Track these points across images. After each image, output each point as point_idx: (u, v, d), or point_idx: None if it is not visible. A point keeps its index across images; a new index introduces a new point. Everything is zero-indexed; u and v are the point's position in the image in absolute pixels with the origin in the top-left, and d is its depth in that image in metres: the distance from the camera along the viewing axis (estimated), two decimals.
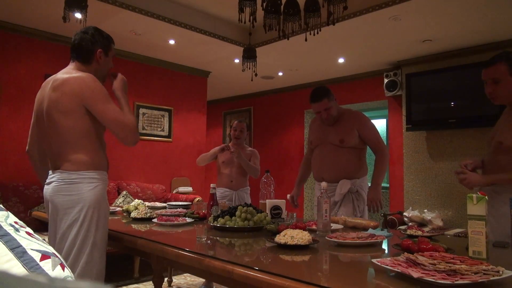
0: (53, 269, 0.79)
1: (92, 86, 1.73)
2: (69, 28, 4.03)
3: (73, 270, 1.64)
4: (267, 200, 2.37)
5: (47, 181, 1.81)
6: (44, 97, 1.81)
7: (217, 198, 3.35)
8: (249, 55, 3.41)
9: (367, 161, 2.84)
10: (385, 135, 6.87)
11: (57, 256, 0.83)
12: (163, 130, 5.36)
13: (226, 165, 3.57)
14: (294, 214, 2.26)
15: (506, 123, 2.04)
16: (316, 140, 2.83)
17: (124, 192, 4.44)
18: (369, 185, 2.73)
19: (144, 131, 5.15)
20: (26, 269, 0.76)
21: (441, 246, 1.37)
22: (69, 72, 1.81)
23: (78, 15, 2.51)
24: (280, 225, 1.85)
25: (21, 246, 0.80)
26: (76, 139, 1.73)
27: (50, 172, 1.82)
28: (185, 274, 3.87)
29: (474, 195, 1.42)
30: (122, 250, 2.28)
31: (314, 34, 2.64)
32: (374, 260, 1.20)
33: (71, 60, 1.90)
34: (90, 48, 1.86)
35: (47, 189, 1.80)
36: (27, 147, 2.00)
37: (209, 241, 1.74)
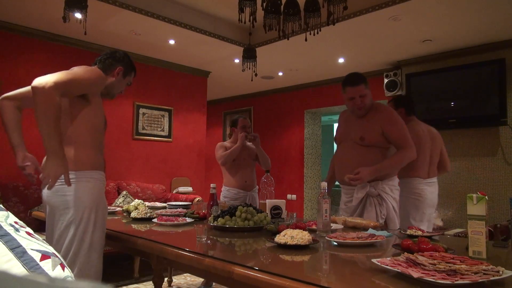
0: (53, 269, 0.79)
1: (85, 67, 1.73)
2: (69, 28, 4.04)
3: (71, 270, 1.63)
4: (267, 200, 2.37)
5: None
6: None
7: (227, 199, 3.31)
8: (249, 55, 3.41)
9: None
10: None
11: (57, 256, 0.83)
12: (163, 130, 5.36)
13: (239, 164, 3.35)
14: (294, 214, 2.26)
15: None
16: (340, 137, 2.61)
17: (124, 192, 4.44)
18: (397, 188, 2.49)
19: (144, 131, 5.15)
20: (26, 269, 0.76)
21: (441, 246, 1.37)
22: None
23: (78, 15, 2.50)
24: (280, 225, 1.85)
25: (21, 246, 0.80)
26: (70, 133, 1.71)
27: None
28: (185, 274, 3.87)
29: (474, 195, 1.42)
30: (122, 250, 2.28)
31: (314, 34, 2.64)
32: (374, 260, 1.20)
33: (92, 64, 1.94)
34: (113, 62, 1.92)
35: (44, 190, 1.79)
36: (6, 94, 1.84)
37: (209, 241, 1.74)
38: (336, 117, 8.23)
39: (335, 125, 8.70)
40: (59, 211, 1.70)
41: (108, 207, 2.73)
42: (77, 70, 1.68)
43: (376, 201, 2.39)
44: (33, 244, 0.82)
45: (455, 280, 0.99)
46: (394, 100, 3.15)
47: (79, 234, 1.67)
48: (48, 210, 1.78)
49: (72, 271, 1.61)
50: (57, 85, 1.50)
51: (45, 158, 1.57)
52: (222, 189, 3.46)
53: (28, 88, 1.91)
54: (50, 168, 1.54)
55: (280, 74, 5.92)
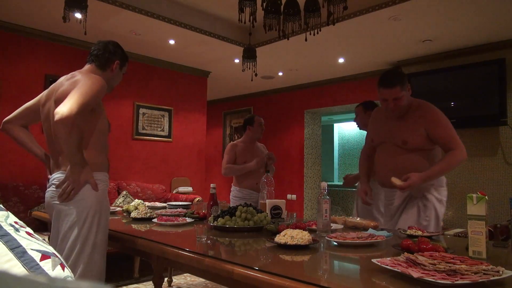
0: (53, 269, 0.79)
1: (90, 79, 1.72)
2: (69, 28, 4.04)
3: (74, 271, 1.64)
4: (267, 200, 2.37)
5: (49, 183, 1.81)
6: (55, 88, 1.82)
7: (237, 199, 3.24)
8: (249, 55, 3.41)
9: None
10: None
11: (57, 256, 0.83)
12: (163, 130, 5.36)
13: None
14: (294, 214, 2.26)
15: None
16: (378, 138, 2.38)
17: (124, 192, 4.44)
18: (445, 188, 2.34)
19: (144, 131, 5.15)
20: (26, 269, 0.76)
21: (441, 246, 1.37)
22: (87, 72, 1.83)
23: (78, 15, 2.50)
24: (280, 225, 1.85)
25: (21, 246, 0.80)
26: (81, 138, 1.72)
27: (52, 174, 1.82)
28: (185, 274, 3.87)
29: (474, 195, 1.42)
30: (122, 250, 2.28)
31: (314, 34, 2.64)
32: (374, 260, 1.20)
33: (87, 63, 1.93)
34: (109, 57, 1.91)
35: (48, 191, 1.80)
36: (7, 118, 1.93)
37: (209, 241, 1.74)
38: (336, 117, 8.22)
39: (335, 125, 8.68)
40: (64, 212, 1.71)
41: None
42: (87, 88, 1.66)
43: (421, 202, 2.21)
44: (33, 244, 0.82)
45: (455, 280, 0.99)
46: (364, 104, 3.26)
47: (83, 234, 1.68)
48: (53, 211, 1.78)
49: (76, 271, 1.63)
50: (78, 113, 1.57)
51: (68, 167, 1.67)
52: (231, 189, 3.44)
53: (25, 106, 1.95)
54: (73, 177, 1.66)
55: (280, 74, 5.92)
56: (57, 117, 1.53)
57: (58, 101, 1.71)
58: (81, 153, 1.67)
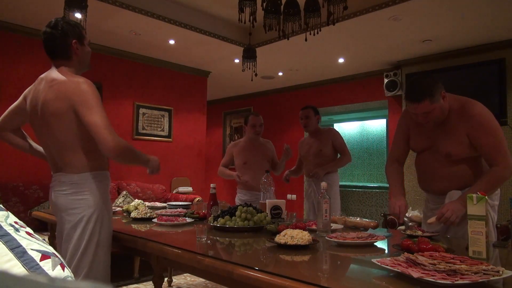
0: (53, 269, 0.79)
1: (85, 90, 1.65)
2: None
3: (79, 269, 1.67)
4: (267, 200, 2.37)
5: (51, 184, 1.81)
6: (38, 96, 1.74)
7: (243, 202, 3.18)
8: (249, 55, 3.41)
9: None
10: (385, 135, 6.87)
11: (57, 256, 0.83)
12: (163, 130, 5.36)
13: (250, 167, 3.27)
14: (294, 214, 2.26)
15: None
16: (418, 146, 2.12)
17: (124, 192, 4.44)
18: (497, 193, 2.10)
19: (144, 131, 5.15)
20: (26, 269, 0.76)
21: (441, 246, 1.37)
22: (65, 74, 1.72)
23: (78, 15, 2.51)
24: (280, 225, 1.85)
25: (21, 246, 0.80)
26: (73, 141, 1.70)
27: (53, 175, 1.82)
28: (185, 274, 3.87)
29: (474, 195, 1.42)
30: (122, 250, 2.28)
31: (314, 34, 2.64)
32: (374, 260, 1.20)
33: (51, 60, 1.79)
34: (64, 43, 1.75)
35: (52, 191, 1.81)
36: None
37: (209, 241, 1.74)
38: (336, 117, 8.19)
39: (335, 125, 8.66)
40: (67, 211, 1.72)
41: None
42: (92, 101, 1.64)
43: None
44: (33, 244, 0.82)
45: (455, 280, 0.99)
46: (313, 107, 3.51)
47: (87, 233, 1.69)
48: (56, 211, 1.78)
49: (81, 270, 1.66)
50: (115, 133, 1.64)
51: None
52: (237, 192, 3.40)
53: (10, 109, 1.88)
54: (153, 164, 1.87)
55: (280, 74, 5.92)
56: (112, 155, 1.62)
57: (55, 117, 1.66)
58: (140, 154, 1.81)
